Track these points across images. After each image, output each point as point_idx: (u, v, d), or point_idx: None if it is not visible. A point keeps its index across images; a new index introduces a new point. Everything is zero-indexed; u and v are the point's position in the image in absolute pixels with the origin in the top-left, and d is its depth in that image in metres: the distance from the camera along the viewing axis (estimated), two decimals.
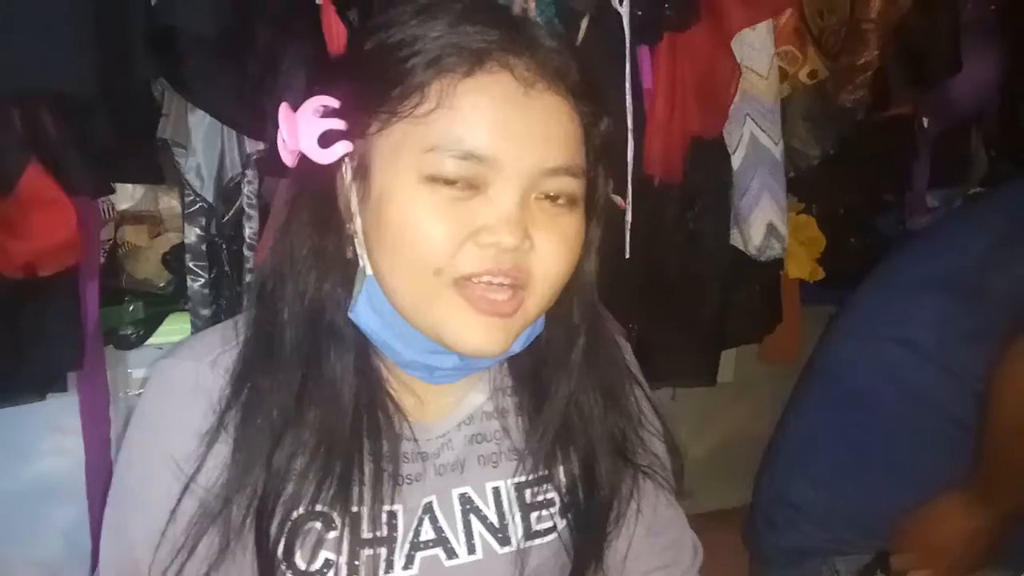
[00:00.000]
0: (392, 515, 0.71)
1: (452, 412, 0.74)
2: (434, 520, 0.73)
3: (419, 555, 0.72)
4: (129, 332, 1.45)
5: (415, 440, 0.72)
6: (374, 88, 0.65)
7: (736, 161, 1.55)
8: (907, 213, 1.95)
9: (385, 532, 0.71)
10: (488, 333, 0.64)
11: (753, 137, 1.53)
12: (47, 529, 1.54)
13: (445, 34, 0.65)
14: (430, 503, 0.73)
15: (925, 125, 1.87)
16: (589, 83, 0.68)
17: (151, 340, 1.48)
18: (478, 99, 0.63)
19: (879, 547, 1.31)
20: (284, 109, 0.66)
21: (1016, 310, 1.18)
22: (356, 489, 0.68)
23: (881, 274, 1.48)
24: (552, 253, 0.65)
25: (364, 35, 0.69)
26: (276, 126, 1.19)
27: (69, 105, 1.10)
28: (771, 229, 1.56)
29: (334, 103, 0.66)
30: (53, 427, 1.50)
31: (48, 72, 1.01)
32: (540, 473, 0.76)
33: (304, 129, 0.65)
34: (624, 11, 1.30)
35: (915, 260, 1.45)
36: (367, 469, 0.68)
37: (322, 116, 0.66)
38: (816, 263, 1.81)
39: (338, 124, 0.66)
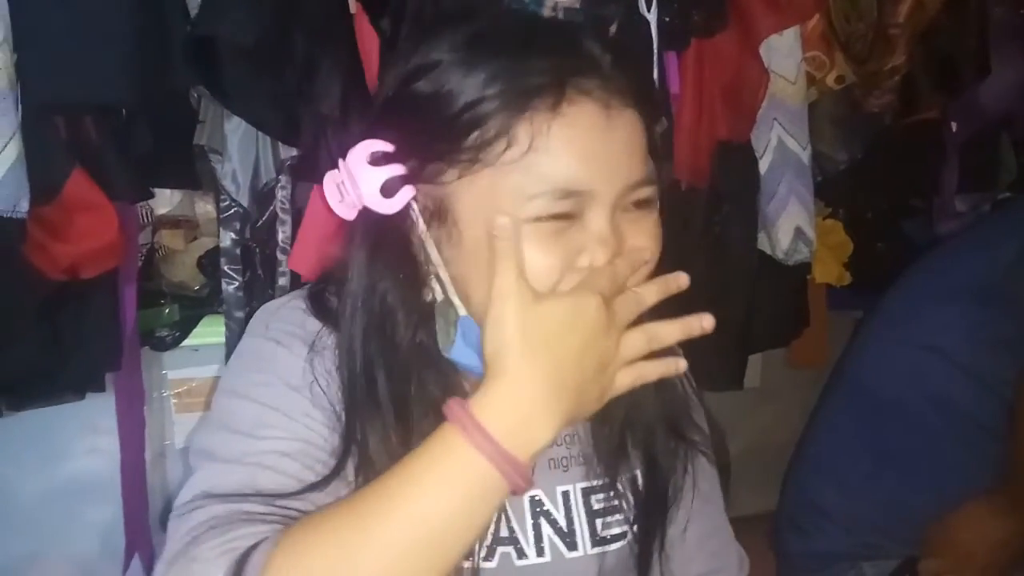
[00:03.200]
0: (536, 500, 0.74)
1: None
2: (507, 520, 0.74)
3: (499, 549, 0.74)
4: (165, 334, 1.48)
5: None
6: (443, 133, 0.63)
7: (764, 165, 1.54)
8: (935, 218, 1.94)
9: (530, 519, 0.74)
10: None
11: (781, 142, 1.53)
12: (82, 527, 1.56)
13: (515, 71, 0.63)
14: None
15: (953, 129, 1.85)
16: (647, 84, 0.69)
17: (186, 342, 1.51)
18: (570, 134, 0.62)
19: (907, 553, 1.32)
20: (344, 165, 0.65)
21: None
22: None
23: (909, 280, 1.48)
24: (641, 256, 0.66)
25: (412, 72, 0.66)
26: (311, 133, 1.23)
27: (111, 113, 1.13)
28: (799, 233, 1.55)
29: (388, 147, 0.65)
30: (89, 427, 1.52)
31: (93, 84, 1.03)
32: (607, 480, 0.77)
33: (364, 179, 0.64)
34: (652, 17, 1.29)
35: (943, 266, 1.45)
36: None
37: (378, 163, 0.64)
38: (843, 268, 1.81)
39: (398, 170, 0.64)
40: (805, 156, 1.56)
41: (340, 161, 0.66)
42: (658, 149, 0.70)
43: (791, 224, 1.56)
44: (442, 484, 0.56)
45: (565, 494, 0.76)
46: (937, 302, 1.37)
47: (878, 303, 1.49)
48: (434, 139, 0.63)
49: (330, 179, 0.67)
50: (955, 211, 1.92)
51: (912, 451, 1.34)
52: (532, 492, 0.75)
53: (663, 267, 0.69)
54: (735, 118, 1.45)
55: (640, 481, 0.78)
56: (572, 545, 0.76)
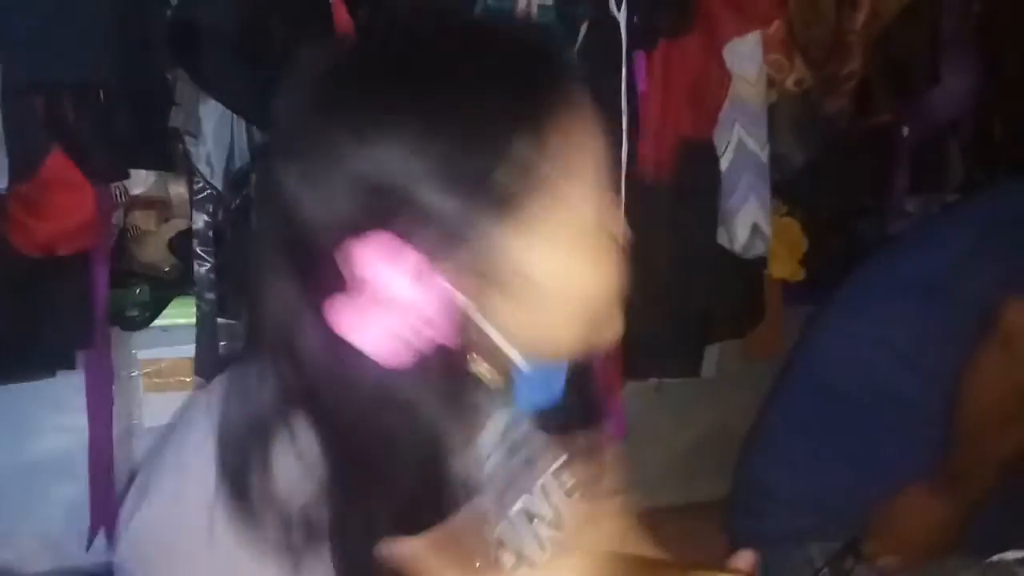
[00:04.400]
0: (524, 512, 0.70)
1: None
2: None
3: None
4: (135, 314, 1.50)
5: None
6: (468, 200, 0.54)
7: (724, 163, 1.57)
8: (886, 218, 1.97)
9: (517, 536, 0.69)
10: (620, 314, 0.65)
11: (741, 141, 1.56)
12: (49, 504, 1.58)
13: (524, 112, 0.55)
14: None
15: (905, 134, 1.88)
16: None
17: (156, 322, 1.53)
18: (579, 146, 0.58)
19: (851, 533, 1.32)
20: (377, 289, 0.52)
21: (984, 313, 1.20)
22: None
23: (859, 275, 1.49)
24: None
25: (384, 191, 0.53)
26: None
27: (89, 94, 1.15)
28: (756, 229, 1.58)
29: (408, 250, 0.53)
30: (57, 405, 1.53)
31: (74, 64, 1.06)
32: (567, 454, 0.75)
33: (417, 297, 0.53)
34: (621, 18, 1.33)
35: (891, 263, 1.47)
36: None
37: (396, 255, 0.52)
38: (798, 264, 1.83)
39: (415, 257, 0.53)
40: (764, 155, 1.59)
41: (380, 297, 0.53)
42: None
43: (749, 220, 1.59)
44: None
45: (543, 486, 0.73)
46: (885, 297, 1.39)
47: (829, 297, 1.50)
48: (461, 215, 0.54)
49: (375, 325, 0.53)
50: (905, 211, 1.95)
51: (858, 438, 1.35)
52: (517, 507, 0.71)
53: (627, 259, 0.70)
54: (698, 117, 1.48)
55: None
56: (559, 526, 0.73)
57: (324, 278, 0.53)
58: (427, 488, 0.57)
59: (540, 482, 0.70)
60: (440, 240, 0.53)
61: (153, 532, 0.58)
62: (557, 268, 0.58)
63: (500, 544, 0.67)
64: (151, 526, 0.58)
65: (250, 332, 0.61)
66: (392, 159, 0.53)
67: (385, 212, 0.52)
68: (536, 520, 0.70)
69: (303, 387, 0.56)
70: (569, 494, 0.71)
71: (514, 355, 0.60)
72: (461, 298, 0.55)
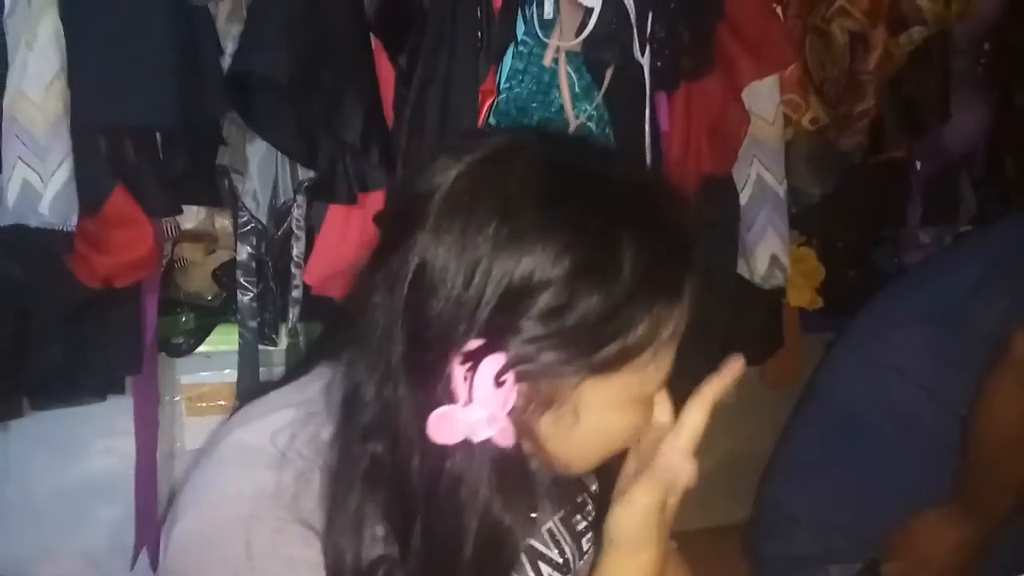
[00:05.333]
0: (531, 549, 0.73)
1: None
2: None
3: (586, 541, 0.75)
4: (180, 341, 1.54)
5: None
6: (574, 347, 0.56)
7: (744, 198, 1.60)
8: (901, 248, 1.98)
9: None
10: None
11: (759, 177, 1.58)
12: (93, 524, 1.62)
13: (660, 258, 0.57)
14: None
15: (918, 168, 1.90)
16: None
17: (199, 349, 1.58)
18: (682, 318, 0.60)
19: (870, 556, 1.35)
20: (470, 394, 0.55)
21: (997, 341, 1.23)
22: None
23: (876, 305, 1.52)
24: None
25: (516, 288, 0.55)
26: (328, 158, 1.29)
27: (149, 136, 1.21)
28: (774, 260, 1.61)
29: (503, 361, 0.55)
30: (105, 429, 1.58)
31: (139, 109, 1.12)
32: (577, 500, 0.77)
33: (492, 401, 0.55)
34: (645, 62, 1.36)
35: (908, 293, 1.50)
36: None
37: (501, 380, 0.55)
38: (816, 293, 1.84)
39: (512, 381, 0.56)
40: (781, 190, 1.61)
41: (463, 392, 0.55)
42: None
43: (768, 252, 1.61)
44: None
45: (549, 531, 0.76)
46: (902, 326, 1.42)
47: (848, 326, 1.54)
48: (567, 357, 0.56)
49: (456, 418, 0.56)
50: (919, 242, 1.97)
51: (876, 463, 1.38)
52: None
53: None
54: (718, 154, 1.51)
55: (595, 485, 0.79)
56: (567, 570, 0.76)
57: (432, 370, 0.56)
58: (489, 565, 0.60)
59: (547, 527, 0.75)
60: (545, 358, 0.56)
61: (193, 542, 0.60)
62: (605, 420, 0.61)
63: None
64: (192, 535, 0.60)
65: (342, 392, 0.61)
66: (537, 265, 0.55)
67: (522, 305, 0.55)
68: (541, 562, 0.74)
69: (390, 463, 0.59)
70: (576, 540, 0.76)
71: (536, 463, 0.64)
72: (525, 412, 0.58)
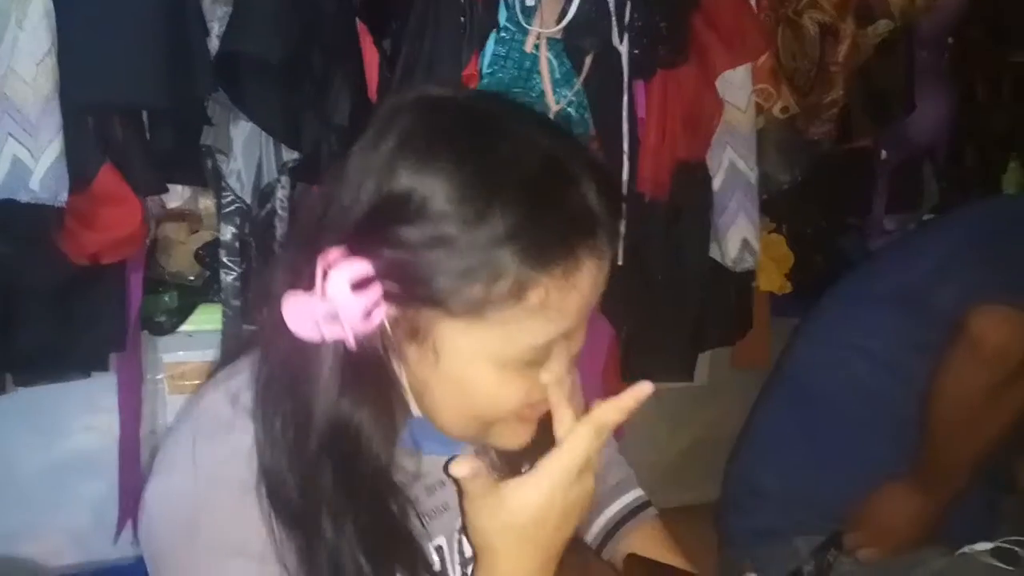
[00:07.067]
0: (439, 549, 0.73)
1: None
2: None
3: (471, 569, 0.73)
4: (163, 320, 1.55)
5: (429, 472, 0.71)
6: (441, 282, 0.57)
7: (716, 183, 1.63)
8: (867, 235, 2.02)
9: (439, 567, 0.72)
10: (531, 432, 0.66)
11: (732, 163, 1.62)
12: (76, 500, 1.62)
13: (533, 232, 0.56)
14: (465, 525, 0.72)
15: (883, 157, 1.94)
16: (619, 215, 0.63)
17: (181, 328, 1.58)
18: (576, 297, 0.59)
19: (833, 528, 1.38)
20: (321, 291, 0.57)
21: (954, 321, 1.26)
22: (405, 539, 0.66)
23: (841, 287, 1.55)
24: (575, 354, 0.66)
25: (397, 206, 0.57)
26: (312, 139, 1.30)
27: (136, 115, 1.22)
28: (745, 244, 1.64)
29: (369, 271, 0.57)
30: (88, 405, 1.58)
31: (129, 89, 1.13)
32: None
33: (347, 306, 0.56)
34: (623, 50, 1.39)
35: (871, 276, 1.53)
36: (406, 530, 0.66)
37: (360, 287, 0.57)
38: (785, 278, 1.87)
39: (378, 292, 0.58)
40: (753, 176, 1.65)
41: (322, 284, 0.57)
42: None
43: (739, 236, 1.65)
44: None
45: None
46: (866, 307, 1.45)
47: (814, 307, 1.56)
48: (428, 285, 0.57)
49: (299, 306, 0.58)
50: (884, 229, 2.01)
51: (840, 439, 1.41)
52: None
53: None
54: (693, 141, 1.54)
55: None
56: None
57: (306, 264, 0.59)
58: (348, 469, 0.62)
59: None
60: (408, 281, 0.57)
61: (170, 500, 0.63)
62: (462, 371, 0.60)
63: (464, 531, 0.71)
64: (168, 494, 0.63)
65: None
66: (414, 187, 0.57)
67: (393, 218, 0.57)
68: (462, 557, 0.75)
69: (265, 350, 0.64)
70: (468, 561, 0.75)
71: (412, 404, 0.66)
72: (388, 339, 0.60)
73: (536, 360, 0.62)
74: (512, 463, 0.73)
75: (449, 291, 0.57)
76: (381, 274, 0.58)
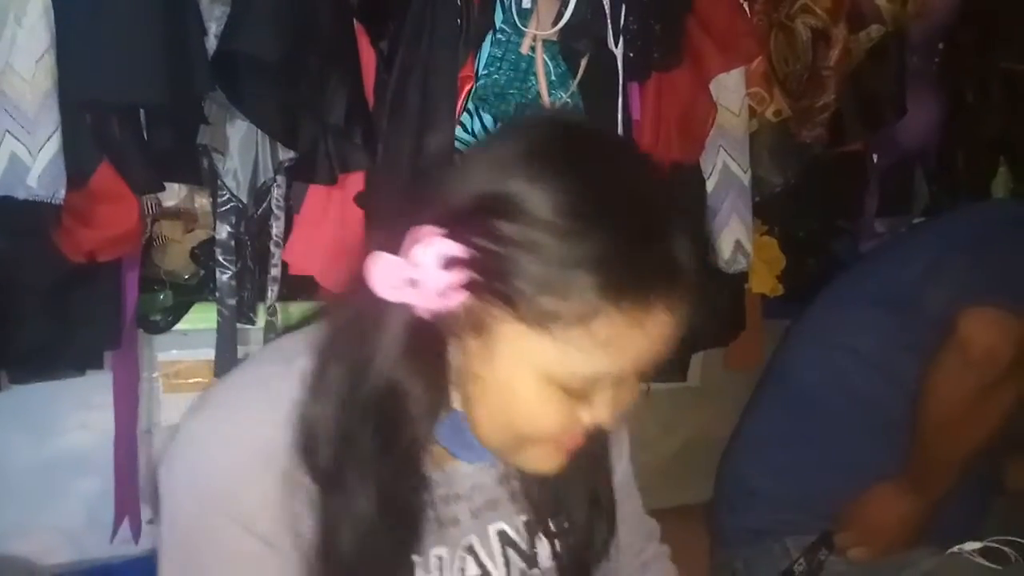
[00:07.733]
0: (439, 559, 0.74)
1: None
2: (476, 558, 0.76)
3: None
4: (158, 318, 1.54)
5: (449, 484, 0.73)
6: (520, 284, 0.59)
7: (710, 185, 1.64)
8: (858, 237, 2.03)
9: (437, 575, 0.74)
10: (559, 462, 0.68)
11: (725, 165, 1.63)
12: (70, 499, 1.61)
13: (620, 265, 0.58)
14: (471, 544, 0.75)
15: (875, 160, 1.95)
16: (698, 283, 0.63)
17: (176, 326, 1.57)
18: (643, 344, 0.60)
19: (824, 527, 1.40)
20: (414, 257, 0.59)
21: (944, 323, 1.28)
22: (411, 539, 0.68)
23: (832, 289, 1.57)
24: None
25: (497, 203, 0.60)
26: (309, 139, 1.31)
27: (134, 113, 1.22)
28: (738, 246, 1.65)
29: (461, 254, 0.60)
30: (82, 403, 1.57)
31: (127, 86, 1.13)
32: (549, 518, 0.79)
33: (431, 279, 0.59)
34: (618, 52, 1.40)
35: (862, 278, 1.54)
36: (419, 518, 0.68)
37: (448, 267, 0.60)
38: (777, 280, 1.88)
39: (462, 278, 0.60)
40: (746, 178, 1.66)
41: (413, 252, 0.60)
42: None
43: (732, 237, 1.65)
44: None
45: (527, 523, 0.78)
46: (856, 309, 1.47)
47: (806, 309, 1.59)
48: (507, 283, 0.59)
49: (386, 266, 0.61)
50: (875, 232, 2.02)
51: (831, 439, 1.43)
52: (498, 526, 0.77)
53: None
54: (687, 143, 1.55)
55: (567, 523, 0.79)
56: (532, 563, 0.78)
57: (402, 229, 0.62)
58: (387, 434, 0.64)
59: (522, 519, 0.77)
60: (490, 274, 0.59)
61: (197, 447, 0.66)
62: (510, 376, 0.62)
63: (469, 551, 0.75)
64: (197, 440, 0.67)
65: None
66: (523, 192, 0.59)
67: (494, 212, 0.59)
68: (511, 549, 0.77)
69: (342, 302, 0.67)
70: (549, 537, 0.78)
71: (455, 399, 0.67)
72: (455, 325, 0.63)
73: (580, 390, 0.63)
74: (530, 487, 0.75)
75: (524, 295, 0.59)
76: (468, 261, 0.60)
